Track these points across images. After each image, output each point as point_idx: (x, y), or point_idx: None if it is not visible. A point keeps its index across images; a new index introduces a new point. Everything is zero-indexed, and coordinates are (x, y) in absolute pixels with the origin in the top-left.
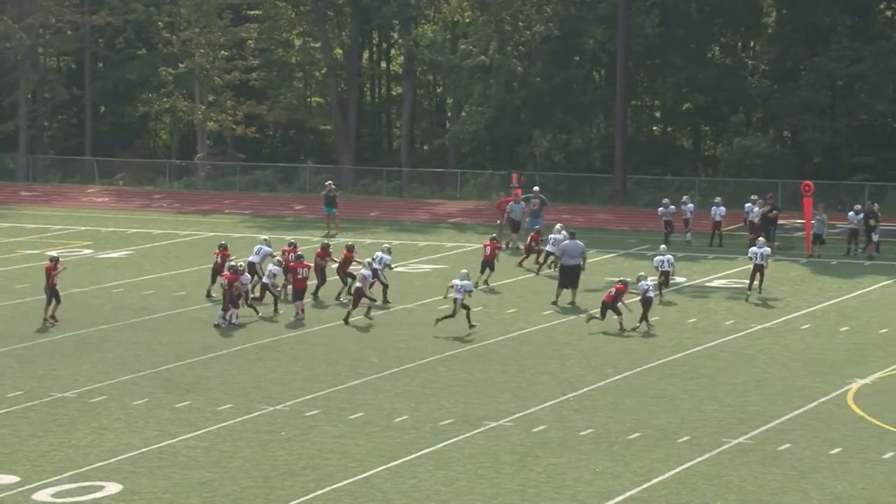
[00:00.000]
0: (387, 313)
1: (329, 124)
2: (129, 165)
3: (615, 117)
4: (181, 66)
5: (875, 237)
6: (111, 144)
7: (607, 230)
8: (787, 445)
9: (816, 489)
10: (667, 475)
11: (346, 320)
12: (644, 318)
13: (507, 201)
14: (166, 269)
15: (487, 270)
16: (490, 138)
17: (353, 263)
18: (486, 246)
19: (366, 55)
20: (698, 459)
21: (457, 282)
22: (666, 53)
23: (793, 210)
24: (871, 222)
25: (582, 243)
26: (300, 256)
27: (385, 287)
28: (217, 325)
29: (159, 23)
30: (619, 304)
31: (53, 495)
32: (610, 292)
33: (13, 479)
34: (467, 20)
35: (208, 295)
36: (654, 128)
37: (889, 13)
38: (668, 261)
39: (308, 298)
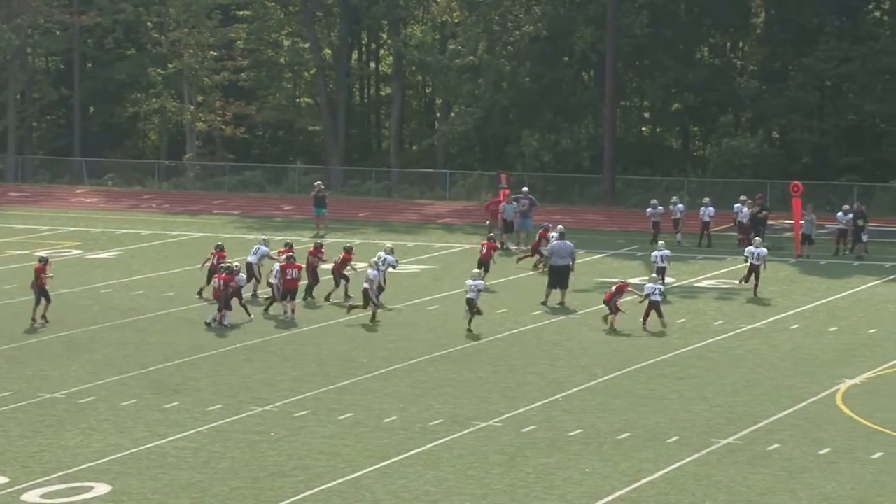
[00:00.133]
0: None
1: (318, 125)
2: (118, 166)
3: (604, 118)
4: (170, 66)
5: (864, 237)
6: (100, 145)
7: (596, 231)
8: (776, 446)
9: (805, 489)
10: (656, 475)
11: (372, 319)
12: (645, 319)
13: (496, 202)
14: (155, 269)
15: (482, 270)
16: (479, 139)
17: (348, 268)
18: (483, 245)
19: (355, 56)
20: (687, 460)
21: (470, 282)
22: (655, 54)
23: (781, 210)
24: (860, 222)
25: (571, 244)
26: (291, 257)
27: (381, 289)
28: (208, 324)
29: (148, 23)
30: (616, 303)
31: (42, 496)
32: (610, 290)
33: (2, 479)
34: (456, 20)
35: (199, 294)
36: (643, 128)
37: (878, 13)
38: (663, 256)
39: (299, 299)
